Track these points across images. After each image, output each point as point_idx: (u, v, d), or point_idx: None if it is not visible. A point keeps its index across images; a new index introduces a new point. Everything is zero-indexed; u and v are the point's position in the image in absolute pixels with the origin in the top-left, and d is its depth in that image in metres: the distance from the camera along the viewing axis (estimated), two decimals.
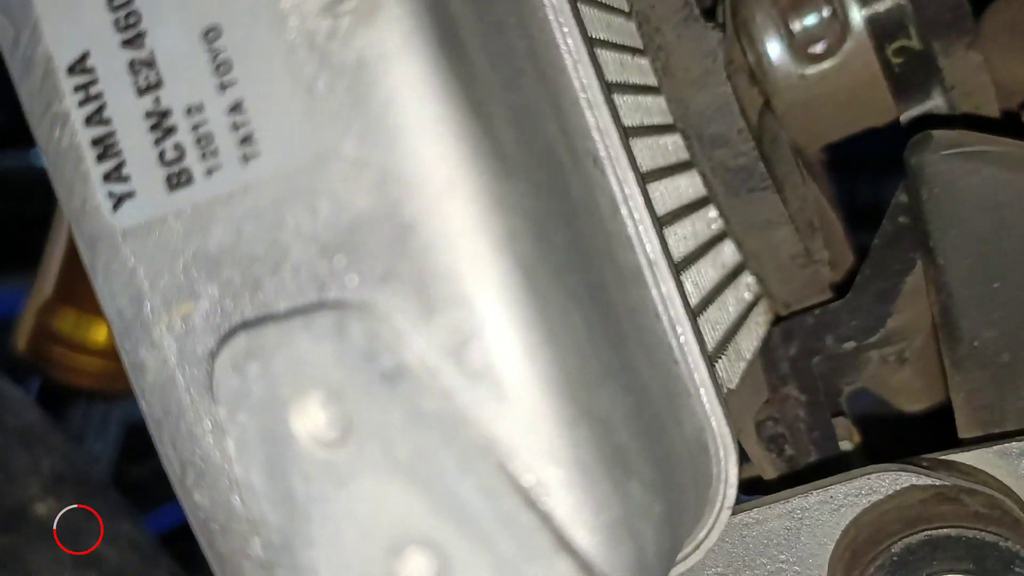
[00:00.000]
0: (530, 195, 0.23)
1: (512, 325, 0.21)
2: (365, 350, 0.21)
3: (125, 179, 0.24)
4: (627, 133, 0.31)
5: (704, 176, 0.45)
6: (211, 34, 0.23)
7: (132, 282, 0.24)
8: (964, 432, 0.40)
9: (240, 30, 0.22)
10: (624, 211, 0.29)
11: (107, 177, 0.24)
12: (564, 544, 0.21)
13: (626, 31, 0.44)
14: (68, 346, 0.78)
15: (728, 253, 0.48)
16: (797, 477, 0.43)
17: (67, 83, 0.24)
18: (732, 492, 0.29)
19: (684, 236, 0.43)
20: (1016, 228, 0.37)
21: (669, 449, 0.26)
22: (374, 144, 0.22)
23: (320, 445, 0.22)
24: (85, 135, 0.24)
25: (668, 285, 0.29)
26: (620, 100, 0.40)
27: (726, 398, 0.42)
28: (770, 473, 0.44)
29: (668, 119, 0.45)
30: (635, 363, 0.26)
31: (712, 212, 0.47)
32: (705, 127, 0.44)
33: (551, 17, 0.28)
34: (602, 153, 0.28)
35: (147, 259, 0.24)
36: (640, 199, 0.29)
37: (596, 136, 0.28)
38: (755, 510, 0.36)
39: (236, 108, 0.23)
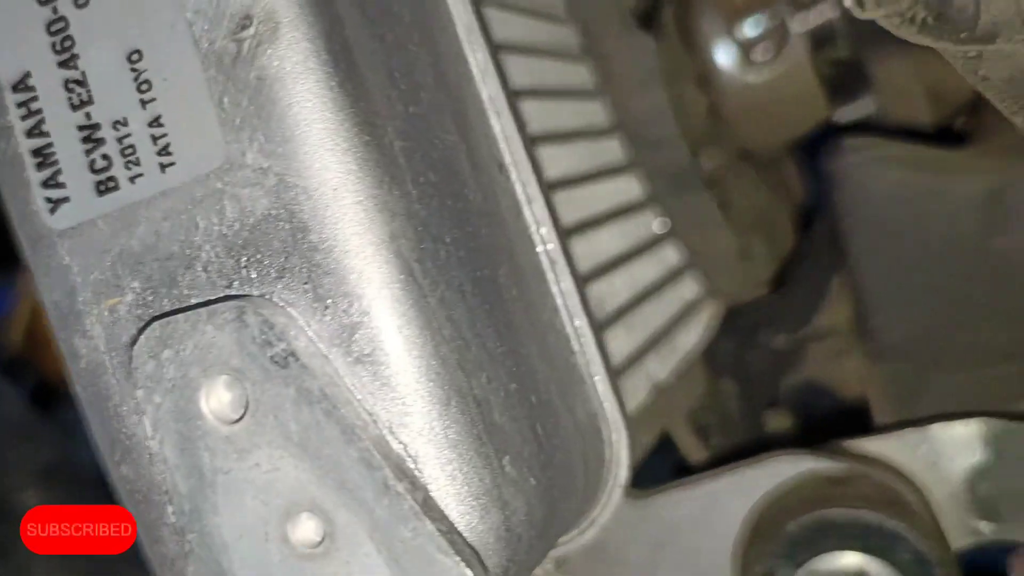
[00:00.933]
0: (417, 199, 0.26)
1: (392, 317, 0.24)
2: (261, 338, 0.24)
3: (61, 185, 0.26)
4: (534, 140, 0.33)
5: (646, 177, 0.48)
6: (134, 56, 0.25)
7: (67, 277, 0.27)
8: (879, 420, 0.43)
9: (159, 53, 0.25)
10: (527, 214, 0.31)
11: (45, 184, 0.27)
12: (434, 510, 0.24)
13: (568, 38, 0.47)
14: None
15: (672, 251, 0.51)
16: (722, 463, 0.45)
17: (11, 99, 0.27)
18: (623, 472, 0.32)
19: (623, 234, 0.46)
20: (922, 228, 0.39)
21: (553, 430, 0.28)
22: (272, 154, 0.24)
23: (224, 422, 0.25)
24: (26, 146, 0.27)
25: (567, 282, 0.31)
26: (558, 105, 0.43)
27: (656, 388, 0.45)
28: (697, 459, 0.46)
29: (612, 122, 0.48)
30: (524, 351, 0.28)
31: (655, 211, 0.49)
32: (644, 131, 0.46)
33: (461, 35, 0.31)
34: (507, 160, 0.31)
35: (80, 257, 0.26)
36: (542, 202, 0.31)
37: (502, 144, 0.31)
38: (671, 492, 0.38)
39: (155, 122, 0.25)
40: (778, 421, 0.48)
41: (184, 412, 0.25)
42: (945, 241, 0.38)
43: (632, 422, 0.33)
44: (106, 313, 0.26)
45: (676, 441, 0.46)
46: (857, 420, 0.50)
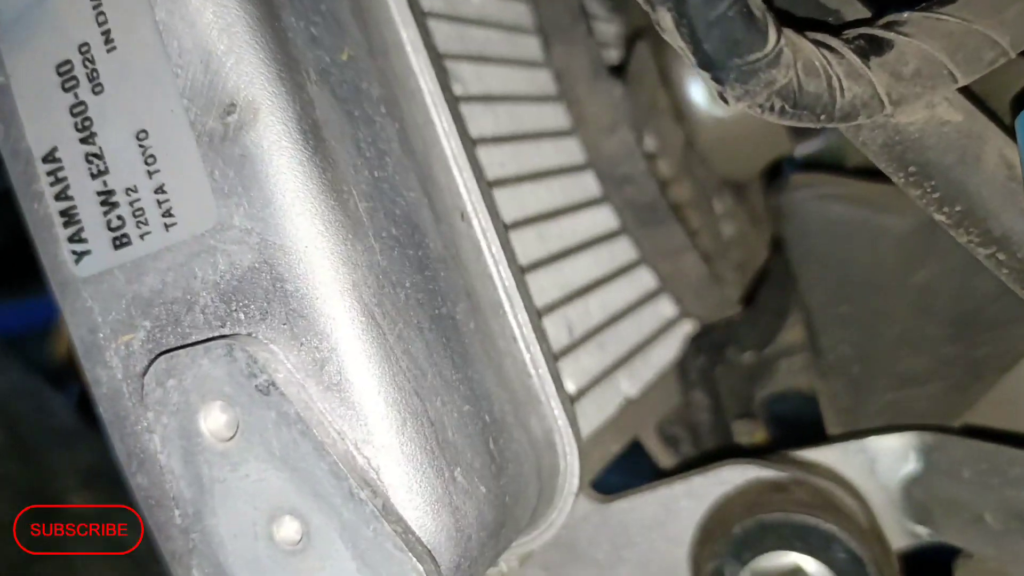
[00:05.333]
0: (379, 252, 0.30)
1: (355, 352, 0.29)
2: (247, 371, 0.29)
3: (84, 241, 0.32)
4: (506, 182, 0.38)
5: (617, 210, 0.52)
6: (141, 135, 0.30)
7: (90, 317, 0.32)
8: (831, 430, 0.47)
9: (162, 132, 0.30)
10: (487, 256, 0.36)
11: (71, 239, 0.32)
12: (393, 514, 0.28)
13: (545, 83, 0.51)
14: None
15: (648, 276, 0.55)
16: (690, 468, 0.49)
17: (42, 169, 0.32)
18: (575, 481, 0.36)
19: (597, 262, 0.50)
20: (858, 259, 0.43)
21: (506, 445, 0.33)
22: (255, 217, 0.29)
23: (220, 439, 0.30)
24: (55, 207, 0.32)
25: (523, 315, 0.36)
26: (534, 147, 0.47)
27: (627, 401, 0.49)
28: (667, 466, 0.50)
29: (586, 158, 0.52)
30: (479, 376, 0.33)
31: (629, 240, 0.53)
32: (614, 168, 0.50)
33: (427, 101, 0.36)
34: (468, 208, 0.36)
35: (100, 300, 0.31)
36: (499, 246, 0.36)
37: (464, 195, 0.36)
38: (631, 498, 0.43)
39: (160, 189, 0.30)
40: (747, 431, 0.52)
41: (186, 431, 0.30)
42: (873, 273, 0.41)
43: (581, 435, 0.37)
44: (122, 348, 0.31)
45: (647, 449, 0.50)
46: (820, 429, 0.54)
